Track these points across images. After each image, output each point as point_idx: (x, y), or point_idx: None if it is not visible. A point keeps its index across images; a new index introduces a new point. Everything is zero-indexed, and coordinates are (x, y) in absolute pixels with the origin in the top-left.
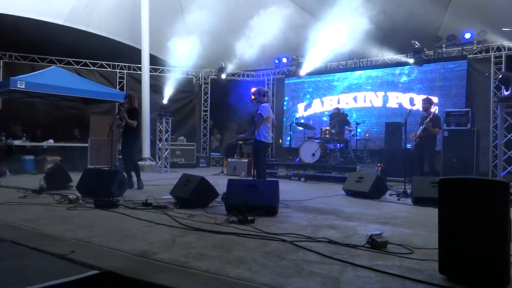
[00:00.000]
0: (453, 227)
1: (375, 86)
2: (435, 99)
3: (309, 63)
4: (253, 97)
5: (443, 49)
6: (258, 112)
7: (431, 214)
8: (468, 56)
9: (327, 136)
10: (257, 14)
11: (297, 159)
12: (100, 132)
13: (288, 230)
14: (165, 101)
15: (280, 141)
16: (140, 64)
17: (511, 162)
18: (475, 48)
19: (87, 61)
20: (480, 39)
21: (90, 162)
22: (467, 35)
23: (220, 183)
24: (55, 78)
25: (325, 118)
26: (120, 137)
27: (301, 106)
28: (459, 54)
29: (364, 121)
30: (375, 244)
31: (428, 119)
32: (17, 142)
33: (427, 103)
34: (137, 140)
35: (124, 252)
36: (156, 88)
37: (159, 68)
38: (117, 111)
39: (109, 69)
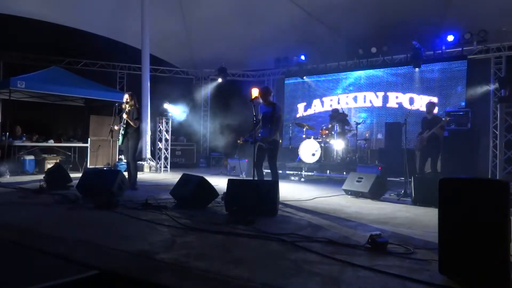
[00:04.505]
0: (453, 227)
1: (375, 86)
2: (434, 99)
3: (309, 63)
4: (258, 95)
5: (443, 49)
6: (277, 112)
7: (431, 214)
8: (468, 56)
9: (327, 136)
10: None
11: (297, 159)
12: (100, 132)
13: (288, 230)
14: (165, 101)
15: (280, 141)
16: (140, 64)
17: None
18: (475, 48)
19: (87, 61)
20: (480, 39)
21: (90, 162)
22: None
23: (220, 183)
24: (55, 78)
25: (325, 118)
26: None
27: (301, 106)
28: (459, 54)
29: (364, 121)
30: (375, 244)
31: (439, 125)
32: (17, 142)
33: (431, 106)
34: (138, 140)
35: (124, 252)
36: (156, 88)
37: (159, 68)
38: (117, 111)
39: (109, 69)
